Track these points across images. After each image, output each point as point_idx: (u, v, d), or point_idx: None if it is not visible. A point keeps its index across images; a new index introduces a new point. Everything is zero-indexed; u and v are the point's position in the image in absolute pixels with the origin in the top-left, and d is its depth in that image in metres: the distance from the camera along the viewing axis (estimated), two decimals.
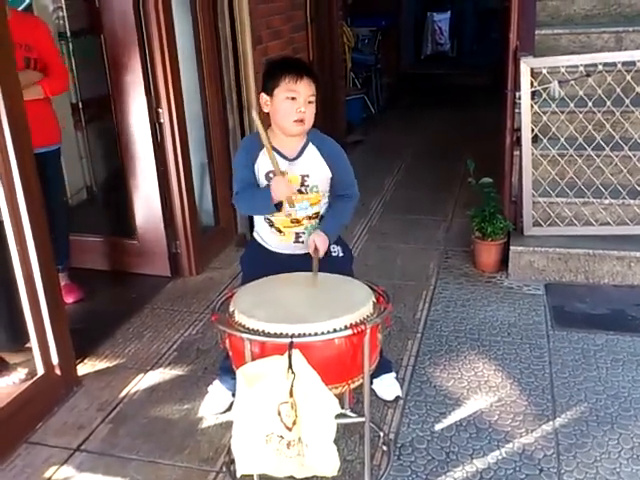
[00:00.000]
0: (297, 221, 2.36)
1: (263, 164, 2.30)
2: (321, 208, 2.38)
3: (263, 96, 2.28)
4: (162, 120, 3.61)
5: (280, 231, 2.38)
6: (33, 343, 2.65)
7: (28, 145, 2.54)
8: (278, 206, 2.27)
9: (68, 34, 4.62)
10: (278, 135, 2.30)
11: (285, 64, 2.28)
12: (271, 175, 2.28)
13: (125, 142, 3.75)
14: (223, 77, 4.11)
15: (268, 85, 2.26)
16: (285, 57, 2.44)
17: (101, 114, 4.56)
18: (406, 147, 6.44)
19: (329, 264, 2.31)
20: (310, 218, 2.36)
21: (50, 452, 2.46)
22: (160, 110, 3.59)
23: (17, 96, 2.49)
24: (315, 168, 2.31)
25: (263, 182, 2.31)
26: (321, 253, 2.27)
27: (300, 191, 2.31)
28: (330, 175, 2.34)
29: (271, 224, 2.39)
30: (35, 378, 2.66)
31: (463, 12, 11.49)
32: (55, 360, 2.71)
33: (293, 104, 2.21)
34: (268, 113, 2.30)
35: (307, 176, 2.30)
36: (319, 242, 2.27)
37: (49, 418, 2.64)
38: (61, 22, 4.62)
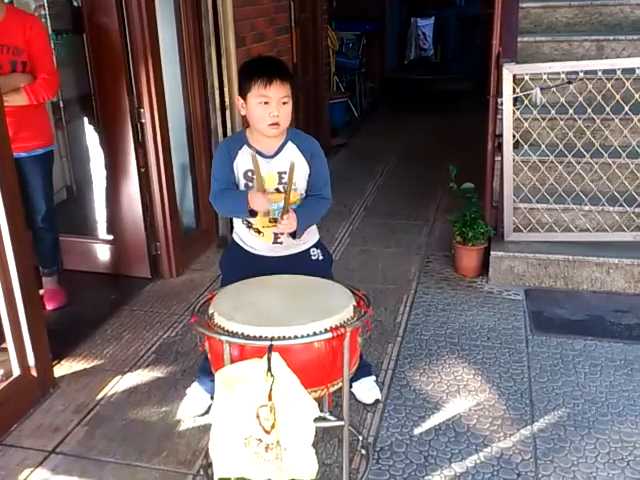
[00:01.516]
0: (275, 220, 2.34)
1: (242, 162, 2.29)
2: None
3: (239, 99, 2.27)
4: (144, 120, 3.58)
5: (259, 232, 2.37)
6: (9, 344, 2.61)
7: (6, 146, 2.50)
8: (253, 212, 2.26)
9: (50, 32, 4.57)
10: (256, 135, 2.29)
11: (255, 68, 2.24)
12: (249, 174, 2.27)
13: (106, 142, 3.72)
14: (206, 78, 4.09)
15: (241, 89, 2.25)
16: (257, 58, 2.38)
17: (82, 113, 4.52)
18: (389, 151, 6.46)
19: (308, 267, 2.31)
20: None
21: (25, 454, 2.43)
22: (142, 110, 3.57)
23: None
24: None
25: (241, 180, 2.29)
26: (291, 227, 2.22)
27: (278, 190, 2.30)
28: (309, 172, 2.33)
29: (249, 225, 2.37)
30: (10, 379, 2.62)
31: (447, 18, 11.60)
32: (31, 361, 2.67)
33: (266, 109, 2.19)
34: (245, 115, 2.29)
35: (285, 173, 2.28)
36: (290, 217, 2.22)
37: (24, 420, 2.61)
38: (43, 20, 4.57)
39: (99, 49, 3.50)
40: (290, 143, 2.31)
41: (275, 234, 2.37)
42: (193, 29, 3.92)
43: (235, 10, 4.12)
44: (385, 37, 9.69)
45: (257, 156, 2.25)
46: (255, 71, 2.21)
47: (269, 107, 2.19)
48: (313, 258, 2.44)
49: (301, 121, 5.47)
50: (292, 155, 2.30)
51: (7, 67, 3.01)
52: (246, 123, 2.33)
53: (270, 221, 2.33)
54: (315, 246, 2.47)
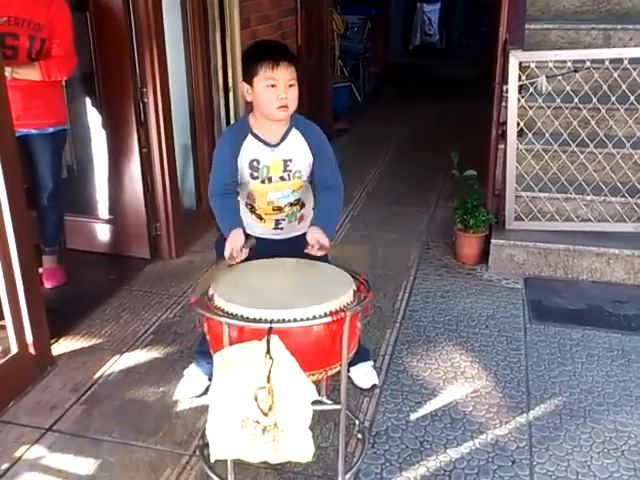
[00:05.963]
0: (279, 208, 2.34)
1: (248, 152, 2.26)
2: (302, 194, 2.36)
3: (244, 85, 2.25)
4: (146, 100, 3.56)
5: (261, 218, 2.37)
6: (7, 321, 2.61)
7: (8, 122, 2.49)
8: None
9: None
10: (261, 121, 2.26)
11: (260, 51, 2.23)
12: (255, 164, 2.25)
13: (108, 121, 3.71)
14: (210, 59, 4.07)
15: (247, 74, 2.22)
16: (261, 42, 2.36)
17: (84, 92, 4.48)
18: (391, 137, 6.43)
19: (305, 254, 2.30)
20: (292, 205, 2.35)
21: (22, 431, 2.43)
22: (145, 89, 3.54)
23: None
24: (298, 152, 2.29)
25: (246, 170, 2.28)
26: (323, 251, 2.14)
27: (282, 177, 2.29)
28: (312, 160, 2.31)
29: (252, 210, 2.37)
30: (8, 356, 2.63)
31: (453, 4, 11.49)
32: (29, 339, 2.67)
33: (274, 91, 2.17)
34: (251, 101, 2.27)
35: (290, 160, 2.28)
36: (322, 239, 2.13)
37: (22, 397, 2.61)
38: None
39: (103, 27, 3.47)
40: (294, 130, 2.29)
41: (277, 220, 2.36)
42: (198, 9, 3.88)
43: None
44: (390, 22, 9.61)
45: (260, 143, 2.23)
46: (261, 54, 2.19)
47: (277, 90, 2.16)
48: None
49: (304, 105, 5.43)
50: (297, 142, 2.28)
51: (25, 41, 3.03)
52: (249, 109, 2.31)
53: (273, 209, 2.33)
54: None
